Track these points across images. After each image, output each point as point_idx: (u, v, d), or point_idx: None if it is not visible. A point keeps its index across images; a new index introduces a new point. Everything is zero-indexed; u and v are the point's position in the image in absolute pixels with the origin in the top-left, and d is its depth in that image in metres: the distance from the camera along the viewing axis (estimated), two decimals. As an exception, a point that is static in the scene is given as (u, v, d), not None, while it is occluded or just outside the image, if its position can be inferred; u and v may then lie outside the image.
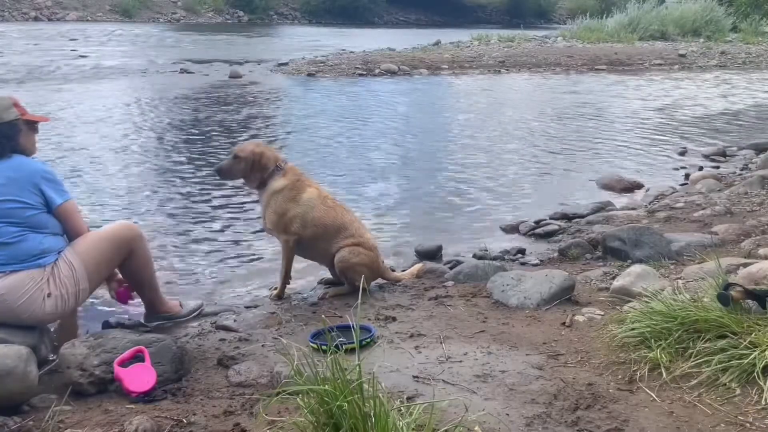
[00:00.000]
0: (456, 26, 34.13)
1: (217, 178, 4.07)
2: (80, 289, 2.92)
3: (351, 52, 18.57)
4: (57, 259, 2.88)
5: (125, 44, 20.56)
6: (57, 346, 2.83)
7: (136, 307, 3.39)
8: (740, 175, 6.63)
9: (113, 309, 3.51)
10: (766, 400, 2.08)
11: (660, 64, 18.11)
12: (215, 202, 5.58)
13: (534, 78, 15.55)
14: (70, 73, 13.58)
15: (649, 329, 2.48)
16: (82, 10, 31.10)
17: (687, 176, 6.71)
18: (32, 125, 3.01)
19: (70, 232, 2.98)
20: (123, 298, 3.25)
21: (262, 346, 2.88)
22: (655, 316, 2.51)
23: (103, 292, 3.59)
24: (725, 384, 2.19)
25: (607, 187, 6.31)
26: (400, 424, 1.82)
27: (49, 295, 2.81)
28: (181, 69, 14.79)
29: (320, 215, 3.58)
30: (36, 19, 29.02)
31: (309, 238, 3.60)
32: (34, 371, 2.45)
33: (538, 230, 4.91)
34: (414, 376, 2.44)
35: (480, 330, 2.93)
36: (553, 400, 2.23)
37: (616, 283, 3.28)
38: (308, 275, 4.08)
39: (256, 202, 5.50)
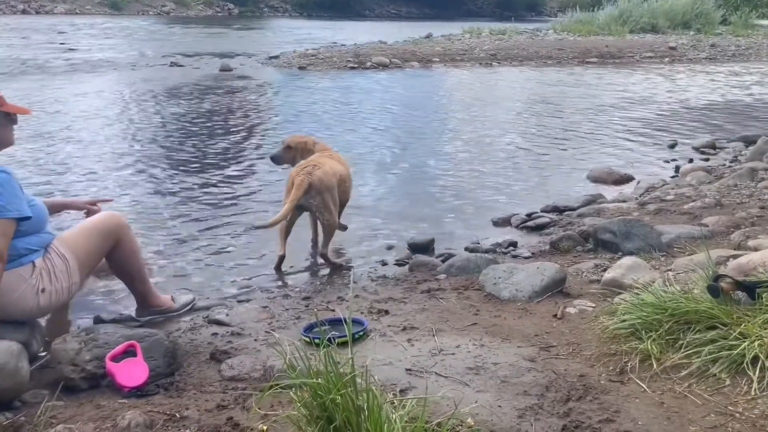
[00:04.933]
0: (447, 19, 34.11)
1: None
2: (72, 283, 2.92)
3: (342, 45, 18.55)
4: (47, 254, 2.84)
5: (114, 37, 20.42)
6: (48, 342, 2.81)
7: (128, 302, 3.38)
8: (730, 167, 6.67)
9: (105, 303, 3.50)
10: (755, 390, 2.10)
11: (650, 57, 18.16)
12: (206, 197, 5.55)
13: (525, 71, 15.56)
14: (60, 67, 13.46)
15: (639, 321, 2.49)
16: (71, 3, 30.89)
17: (677, 169, 6.73)
18: (11, 117, 2.84)
19: None
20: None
21: (255, 340, 2.88)
22: (646, 307, 2.53)
23: (95, 287, 3.61)
24: (715, 375, 2.21)
25: (598, 179, 6.33)
26: (393, 416, 1.83)
27: (43, 290, 2.79)
28: (171, 62, 14.69)
29: None
30: (24, 12, 28.80)
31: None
32: (25, 367, 2.43)
33: (529, 223, 4.93)
34: (407, 369, 2.44)
35: (472, 323, 2.94)
36: (545, 392, 2.24)
37: (607, 275, 3.30)
38: (303, 268, 4.09)
39: (248, 196, 5.56)
